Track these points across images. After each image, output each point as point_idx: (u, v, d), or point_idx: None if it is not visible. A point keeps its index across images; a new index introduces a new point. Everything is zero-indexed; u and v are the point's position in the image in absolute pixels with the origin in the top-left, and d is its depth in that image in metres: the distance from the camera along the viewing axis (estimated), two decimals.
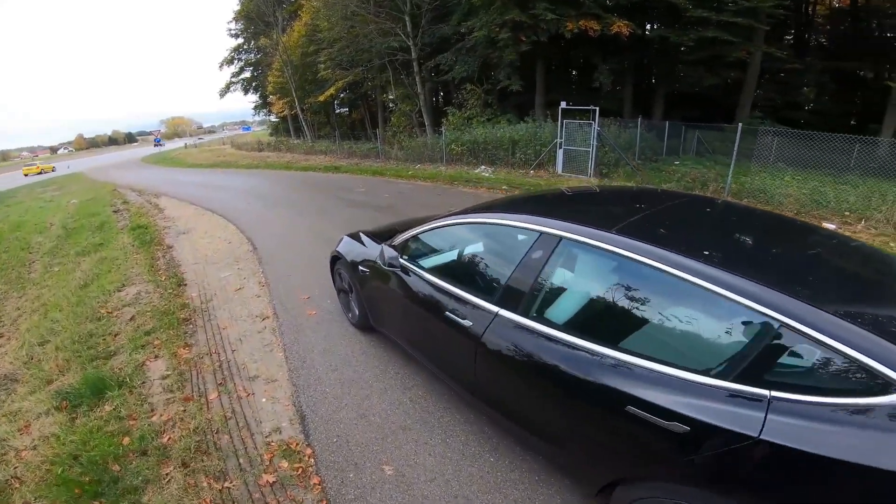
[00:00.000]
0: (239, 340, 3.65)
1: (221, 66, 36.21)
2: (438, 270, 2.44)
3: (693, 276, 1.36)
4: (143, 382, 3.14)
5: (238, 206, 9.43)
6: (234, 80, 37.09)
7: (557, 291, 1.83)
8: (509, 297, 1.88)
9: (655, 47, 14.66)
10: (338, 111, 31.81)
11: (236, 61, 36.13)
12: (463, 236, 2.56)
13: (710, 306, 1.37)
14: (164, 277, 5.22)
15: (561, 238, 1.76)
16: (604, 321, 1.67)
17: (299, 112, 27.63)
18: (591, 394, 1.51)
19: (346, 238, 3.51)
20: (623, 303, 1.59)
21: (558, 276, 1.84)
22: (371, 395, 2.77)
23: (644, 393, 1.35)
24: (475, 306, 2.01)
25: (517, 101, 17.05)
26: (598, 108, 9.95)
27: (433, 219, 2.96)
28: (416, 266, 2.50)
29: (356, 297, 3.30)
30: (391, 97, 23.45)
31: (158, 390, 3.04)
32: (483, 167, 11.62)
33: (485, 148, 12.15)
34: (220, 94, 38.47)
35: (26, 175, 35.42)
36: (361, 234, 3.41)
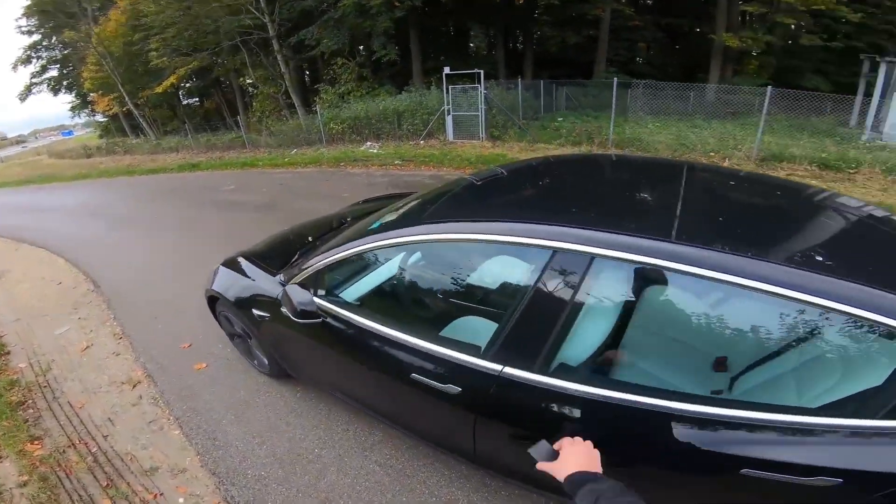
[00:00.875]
0: (108, 421, 2.56)
1: (15, 66, 28.23)
2: (386, 312, 1.83)
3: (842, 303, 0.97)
4: None
5: (67, 232, 7.14)
6: (35, 80, 29.30)
7: (599, 334, 1.31)
8: (517, 347, 1.30)
9: (523, 9, 14.88)
10: (186, 102, 27.28)
11: (35, 60, 28.49)
12: (412, 258, 1.98)
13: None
14: None
15: (594, 257, 1.19)
16: (689, 365, 1.32)
17: (133, 108, 22.86)
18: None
19: (221, 269, 2.51)
20: (722, 341, 1.24)
21: (599, 311, 1.30)
22: (325, 469, 1.99)
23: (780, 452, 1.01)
24: (461, 364, 1.39)
25: (394, 71, 16.12)
26: (482, 72, 9.63)
27: (345, 222, 2.42)
28: (349, 310, 1.72)
29: (259, 344, 2.42)
30: (249, 81, 20.57)
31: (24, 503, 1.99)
32: (369, 143, 10.65)
33: (368, 123, 11.14)
34: (21, 98, 30.32)
35: None
36: (241, 261, 2.44)
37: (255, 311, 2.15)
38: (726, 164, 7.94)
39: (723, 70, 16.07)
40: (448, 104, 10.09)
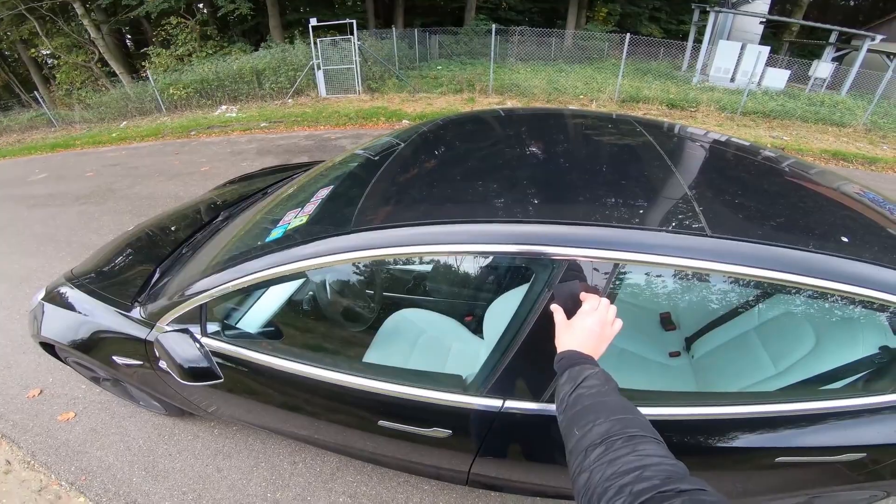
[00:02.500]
0: None
1: None
2: (315, 342, 1.50)
3: None
4: None
5: None
6: None
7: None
8: (523, 378, 1.02)
9: None
10: None
11: None
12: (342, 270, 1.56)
13: None
14: None
15: (617, 264, 0.88)
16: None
17: None
18: None
19: (46, 308, 1.68)
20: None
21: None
22: None
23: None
24: (446, 405, 1.09)
25: (246, 27, 13.89)
26: (354, 22, 8.57)
27: (218, 216, 1.96)
28: (263, 350, 1.23)
29: (140, 386, 1.71)
30: (46, 51, 16.06)
31: None
32: (224, 107, 8.98)
33: (220, 85, 9.35)
34: None
35: None
36: (71, 292, 1.64)
37: (119, 360, 1.47)
38: (594, 106, 8.42)
39: (577, 17, 17.05)
40: (317, 58, 8.90)
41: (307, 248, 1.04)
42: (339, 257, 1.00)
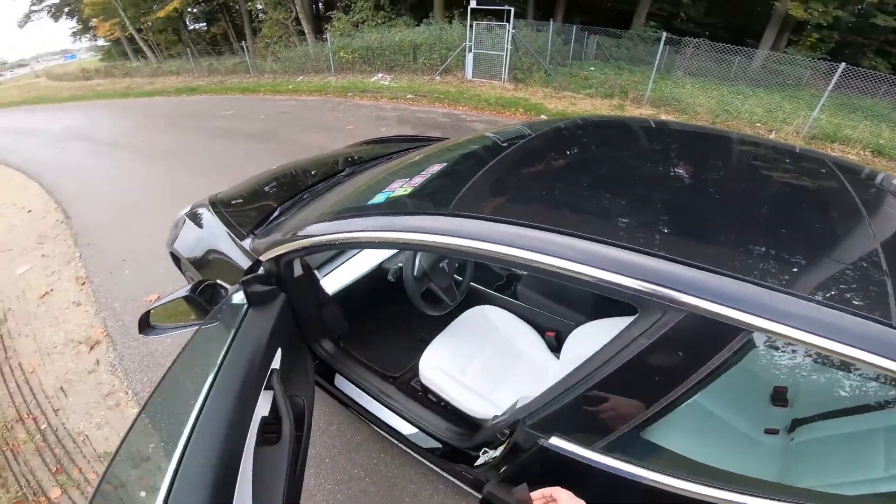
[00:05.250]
0: (61, 391, 2.19)
1: None
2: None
3: None
4: None
5: (48, 156, 6.61)
6: (35, 7, 27.51)
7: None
8: (578, 420, 0.90)
9: None
10: (193, 27, 25.68)
11: None
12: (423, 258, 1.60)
13: None
14: None
15: (752, 332, 0.68)
16: None
17: (135, 33, 21.54)
18: None
19: (186, 223, 1.93)
20: None
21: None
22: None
23: None
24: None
25: (413, 2, 14.78)
26: (512, 9, 8.57)
27: (342, 171, 2.00)
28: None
29: None
30: (260, 6, 19.12)
31: None
32: (381, 75, 9.77)
33: (381, 54, 10.19)
34: (19, 25, 28.88)
35: None
36: (208, 214, 1.86)
37: (222, 283, 1.62)
38: (772, 137, 7.19)
39: (777, 38, 14.61)
40: (470, 41, 9.11)
41: (400, 220, 0.98)
42: (427, 238, 0.91)
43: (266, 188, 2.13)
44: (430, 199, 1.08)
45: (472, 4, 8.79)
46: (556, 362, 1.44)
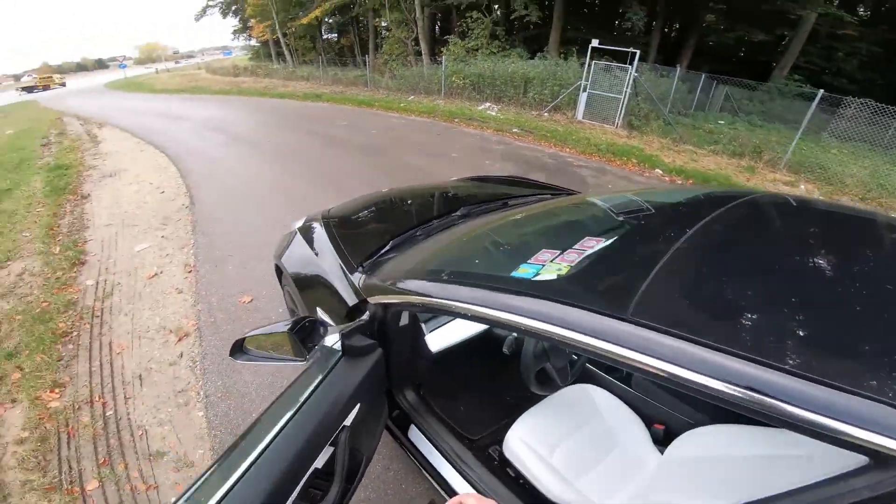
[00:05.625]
0: (139, 379, 2.29)
1: None
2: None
3: None
4: None
5: (189, 142, 7.60)
6: (210, 3, 32.77)
7: None
8: None
9: None
10: (326, 37, 28.58)
11: None
12: None
13: None
14: (58, 249, 3.73)
15: None
16: None
17: (280, 36, 24.55)
18: None
19: (296, 237, 1.94)
20: None
21: None
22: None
23: None
24: None
25: (529, 34, 14.89)
26: (638, 52, 8.15)
27: (453, 212, 1.84)
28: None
29: None
30: (385, 23, 20.65)
31: (12, 464, 1.80)
32: (488, 104, 9.83)
33: (491, 83, 10.30)
34: (196, 18, 34.39)
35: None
36: (317, 229, 1.86)
37: (321, 313, 1.58)
38: None
39: None
40: (586, 80, 8.82)
41: (558, 311, 0.77)
42: (596, 343, 0.71)
43: (378, 213, 2.10)
44: (597, 292, 0.85)
45: (594, 43, 8.52)
46: (659, 457, 1.24)
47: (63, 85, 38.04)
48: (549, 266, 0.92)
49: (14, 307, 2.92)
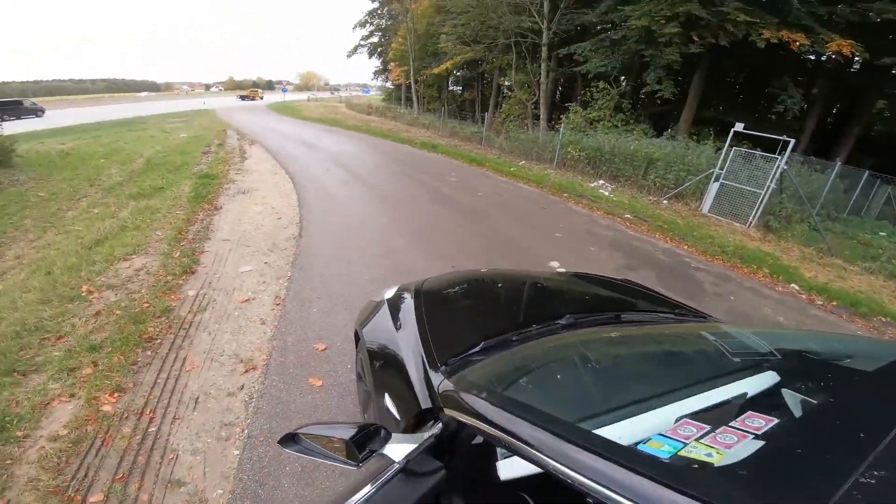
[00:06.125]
0: (194, 401, 2.41)
1: (355, 27, 37.34)
2: None
3: None
4: (24, 438, 2.08)
5: (315, 173, 8.60)
6: (362, 42, 38.09)
7: None
8: None
9: (858, 75, 11.17)
10: (451, 88, 30.96)
11: (368, 24, 36.87)
12: None
13: None
14: (178, 254, 4.30)
15: None
16: None
17: (412, 83, 27.23)
18: None
19: (383, 307, 1.85)
20: None
21: None
22: None
23: None
24: None
25: (656, 110, 14.33)
26: (792, 142, 7.30)
27: (557, 318, 1.55)
28: None
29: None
30: (508, 83, 21.66)
31: (32, 459, 1.96)
32: (602, 182, 9.52)
33: (609, 159, 9.98)
34: (348, 55, 40.15)
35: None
36: (407, 304, 1.77)
37: (387, 400, 1.47)
38: None
39: None
40: (721, 167, 8.08)
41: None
42: None
43: (474, 300, 1.94)
44: (764, 491, 0.59)
45: (738, 127, 7.81)
46: None
47: (262, 98, 49.81)
48: (694, 446, 0.68)
49: (118, 301, 3.31)
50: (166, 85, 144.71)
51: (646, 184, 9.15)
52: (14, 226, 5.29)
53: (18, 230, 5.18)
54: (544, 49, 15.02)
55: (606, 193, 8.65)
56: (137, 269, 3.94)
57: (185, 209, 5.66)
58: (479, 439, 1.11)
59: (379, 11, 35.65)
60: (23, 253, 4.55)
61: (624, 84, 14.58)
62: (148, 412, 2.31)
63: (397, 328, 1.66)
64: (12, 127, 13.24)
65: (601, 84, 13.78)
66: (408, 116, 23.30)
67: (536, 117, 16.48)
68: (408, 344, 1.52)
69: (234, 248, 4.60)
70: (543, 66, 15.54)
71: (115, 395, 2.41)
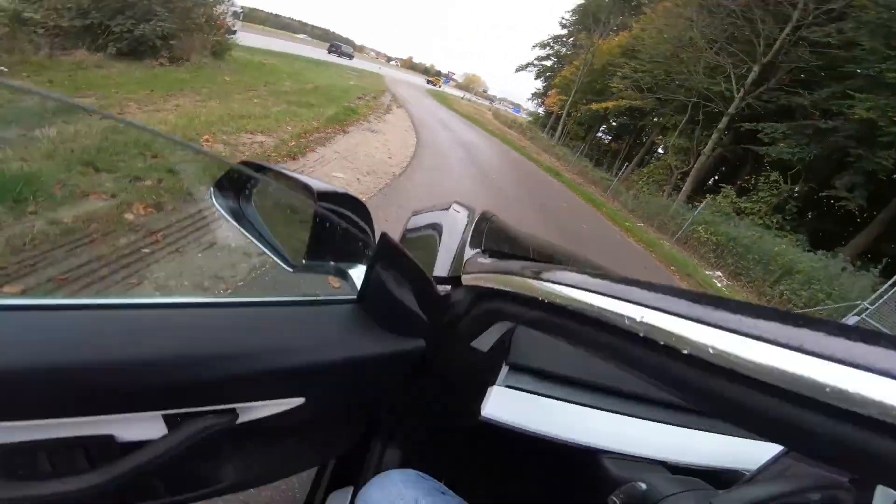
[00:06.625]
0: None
1: (533, 47, 38.39)
2: None
3: None
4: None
5: (439, 142, 9.41)
6: (535, 62, 38.93)
7: None
8: None
9: None
10: (599, 134, 30.15)
11: (548, 47, 37.50)
12: None
13: None
14: (292, 143, 5.08)
15: None
16: None
17: (564, 114, 27.21)
18: None
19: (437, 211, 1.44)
20: None
21: None
22: None
23: None
24: None
25: (823, 227, 12.34)
26: None
27: None
28: None
29: None
30: (663, 143, 20.25)
31: None
32: (718, 273, 8.53)
33: (740, 254, 8.89)
34: (516, 70, 41.47)
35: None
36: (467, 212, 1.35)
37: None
38: None
39: None
40: (871, 303, 6.69)
41: None
42: None
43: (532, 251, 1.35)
44: None
45: None
46: None
47: (441, 87, 56.45)
48: None
49: (221, 152, 3.93)
50: (360, 46, 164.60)
51: (771, 293, 7.97)
52: (192, 89, 6.58)
53: (192, 92, 6.43)
54: (725, 119, 13.50)
55: (719, 286, 7.74)
56: (255, 142, 4.70)
57: (320, 122, 6.50)
58: (486, 344, 0.69)
59: (564, 39, 36.15)
60: (182, 105, 5.63)
61: (792, 188, 12.53)
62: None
63: (445, 223, 1.27)
64: (249, 40, 16.08)
65: (773, 175, 12.19)
66: (544, 142, 23.37)
67: (678, 188, 15.27)
68: (455, 223, 1.23)
69: (339, 159, 5.20)
70: (714, 136, 13.99)
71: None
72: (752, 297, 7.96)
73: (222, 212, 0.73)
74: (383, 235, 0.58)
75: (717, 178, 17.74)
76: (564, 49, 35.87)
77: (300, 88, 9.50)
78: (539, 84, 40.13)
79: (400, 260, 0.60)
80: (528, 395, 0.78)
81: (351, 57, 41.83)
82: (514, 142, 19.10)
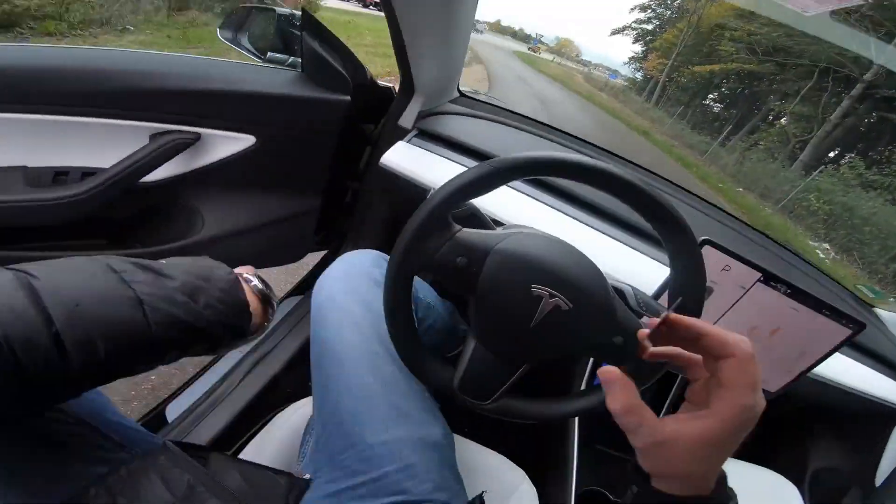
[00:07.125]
0: None
1: (633, 9, 34.56)
2: None
3: None
4: None
5: (512, 89, 9.06)
6: (634, 25, 35.22)
7: None
8: None
9: None
10: (706, 101, 26.85)
11: (650, 10, 33.66)
12: None
13: None
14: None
15: None
16: None
17: (666, 79, 24.54)
18: None
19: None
20: None
21: None
22: None
23: None
24: None
25: None
26: None
27: None
28: None
29: None
30: (783, 110, 17.57)
31: None
32: (825, 246, 7.49)
33: (856, 228, 7.67)
34: (611, 33, 37.95)
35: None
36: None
37: None
38: None
39: None
40: None
41: None
42: None
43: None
44: None
45: None
46: None
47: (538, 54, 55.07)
48: None
49: None
50: None
51: (884, 271, 6.89)
52: None
53: None
54: (859, 86, 11.72)
55: (822, 256, 6.85)
56: None
57: (394, 68, 6.75)
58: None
59: (668, 1, 32.34)
60: None
61: None
62: None
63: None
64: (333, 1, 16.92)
65: None
66: (638, 104, 21.46)
67: (792, 158, 13.29)
68: None
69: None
70: (845, 103, 12.16)
71: None
72: (855, 270, 6.98)
73: (223, 39, 0.97)
74: (303, 10, 0.79)
75: (841, 149, 15.09)
76: (668, 13, 31.93)
77: (379, 42, 9.84)
78: (638, 48, 36.34)
79: (325, 33, 0.79)
80: (432, 154, 0.85)
81: None
82: (601, 102, 17.90)
